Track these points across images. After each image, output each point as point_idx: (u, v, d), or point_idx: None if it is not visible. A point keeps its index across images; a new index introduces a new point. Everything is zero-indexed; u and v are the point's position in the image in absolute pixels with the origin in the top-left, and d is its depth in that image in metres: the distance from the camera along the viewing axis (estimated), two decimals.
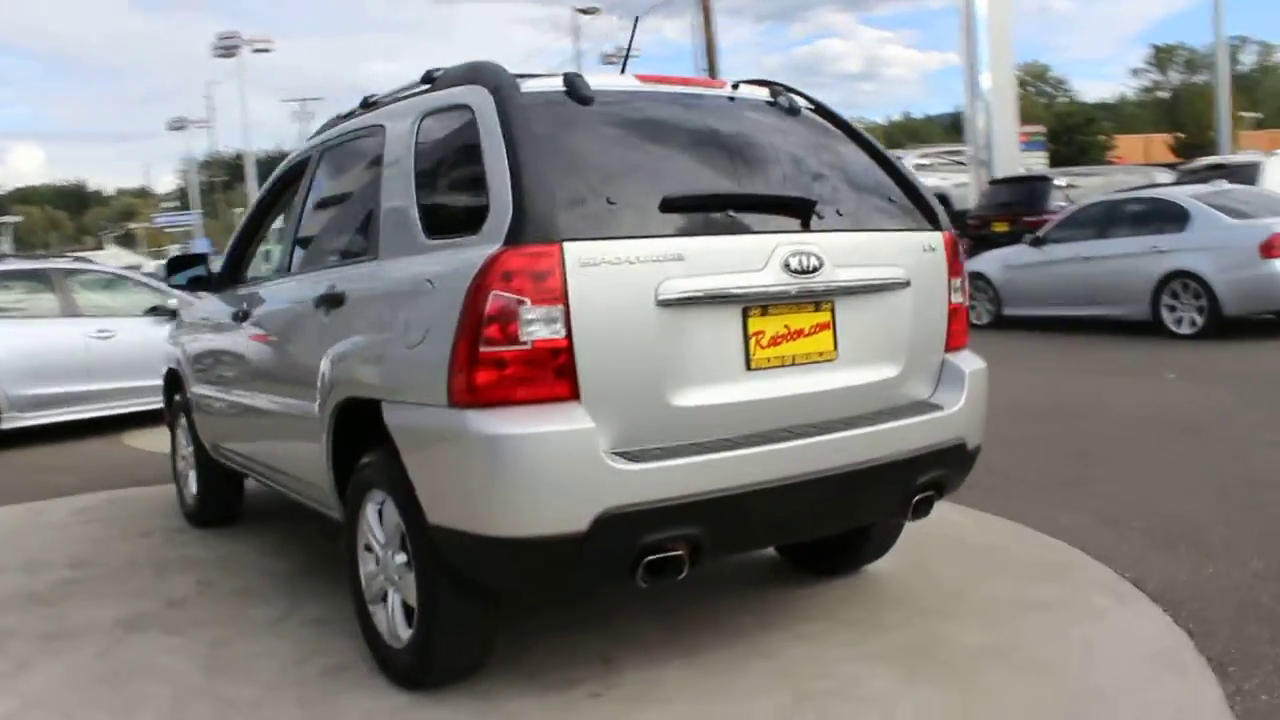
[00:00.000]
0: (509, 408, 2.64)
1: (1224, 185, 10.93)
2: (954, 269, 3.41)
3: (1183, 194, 10.55)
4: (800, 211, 3.09)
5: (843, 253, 3.07)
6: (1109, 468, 5.41)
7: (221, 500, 5.27)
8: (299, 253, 4.04)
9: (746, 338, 2.93)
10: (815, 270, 2.99)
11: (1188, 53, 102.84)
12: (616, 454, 2.66)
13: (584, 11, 38.85)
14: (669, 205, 2.85)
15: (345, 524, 3.38)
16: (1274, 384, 7.34)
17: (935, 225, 3.40)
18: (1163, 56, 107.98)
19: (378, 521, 3.20)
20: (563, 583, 2.79)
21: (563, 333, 2.64)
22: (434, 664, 3.02)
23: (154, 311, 9.12)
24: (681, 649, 3.34)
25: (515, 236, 2.65)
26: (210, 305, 4.84)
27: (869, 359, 3.17)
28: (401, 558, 3.09)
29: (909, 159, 19.07)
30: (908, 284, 3.25)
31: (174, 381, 5.50)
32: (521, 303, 2.62)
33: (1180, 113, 79.14)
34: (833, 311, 3.08)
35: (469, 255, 2.73)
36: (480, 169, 2.84)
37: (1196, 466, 5.30)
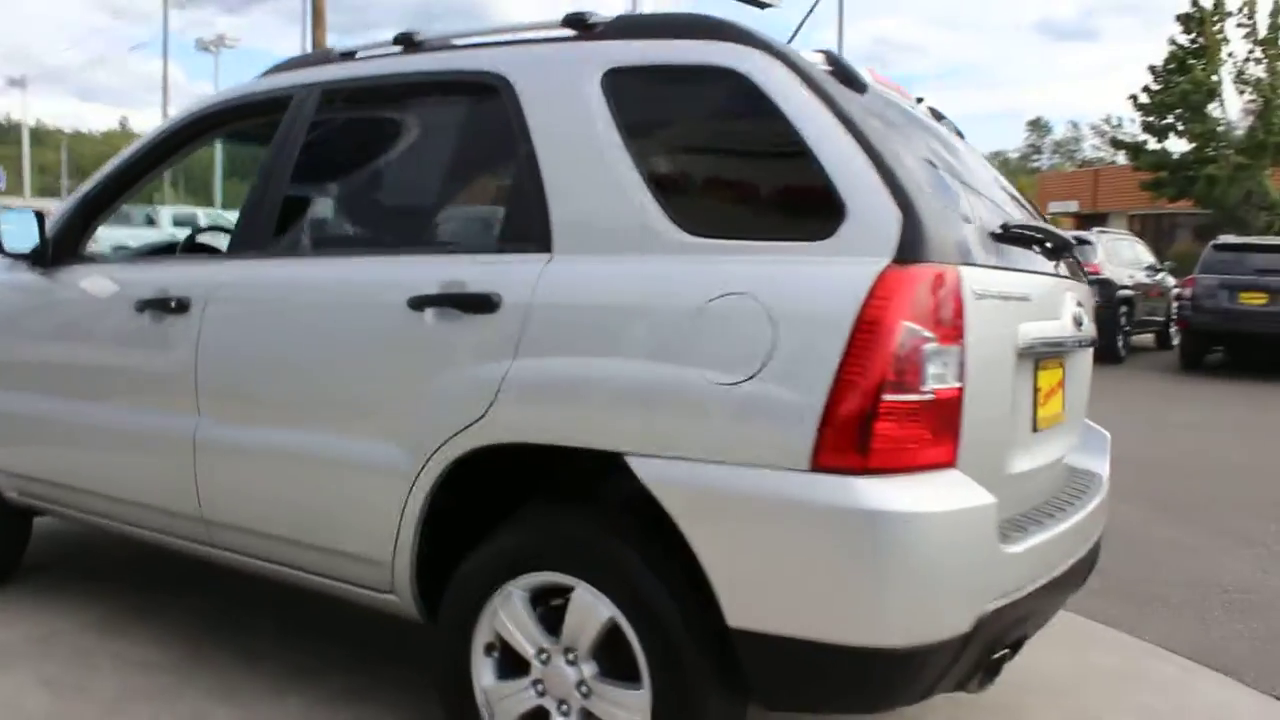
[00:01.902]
0: (895, 476, 2.00)
1: None
2: None
3: None
4: (1062, 254, 2.72)
5: (1083, 302, 2.76)
6: None
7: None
8: (301, 227, 2.92)
9: (1035, 394, 2.51)
10: (1084, 322, 2.65)
11: None
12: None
13: None
14: (1006, 235, 2.36)
15: (448, 618, 2.43)
16: None
17: (1082, 275, 3.20)
18: None
19: (530, 616, 2.33)
20: (907, 698, 2.16)
21: (957, 381, 2.06)
22: None
23: None
24: None
25: (911, 252, 2.02)
26: (43, 285, 3.40)
27: (1074, 422, 2.88)
28: (591, 668, 2.26)
29: None
30: (1095, 342, 3.01)
31: None
32: (928, 340, 2.01)
33: None
34: (1064, 368, 2.75)
35: (837, 269, 2.04)
36: (801, 156, 2.14)
37: None
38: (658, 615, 2.15)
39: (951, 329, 2.04)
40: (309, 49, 25.06)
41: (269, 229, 2.89)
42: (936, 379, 2.02)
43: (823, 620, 2.01)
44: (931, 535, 2.00)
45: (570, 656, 2.29)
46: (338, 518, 2.61)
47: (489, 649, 2.40)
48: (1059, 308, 2.55)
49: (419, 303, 2.44)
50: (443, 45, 2.83)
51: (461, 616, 2.41)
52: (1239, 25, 24.03)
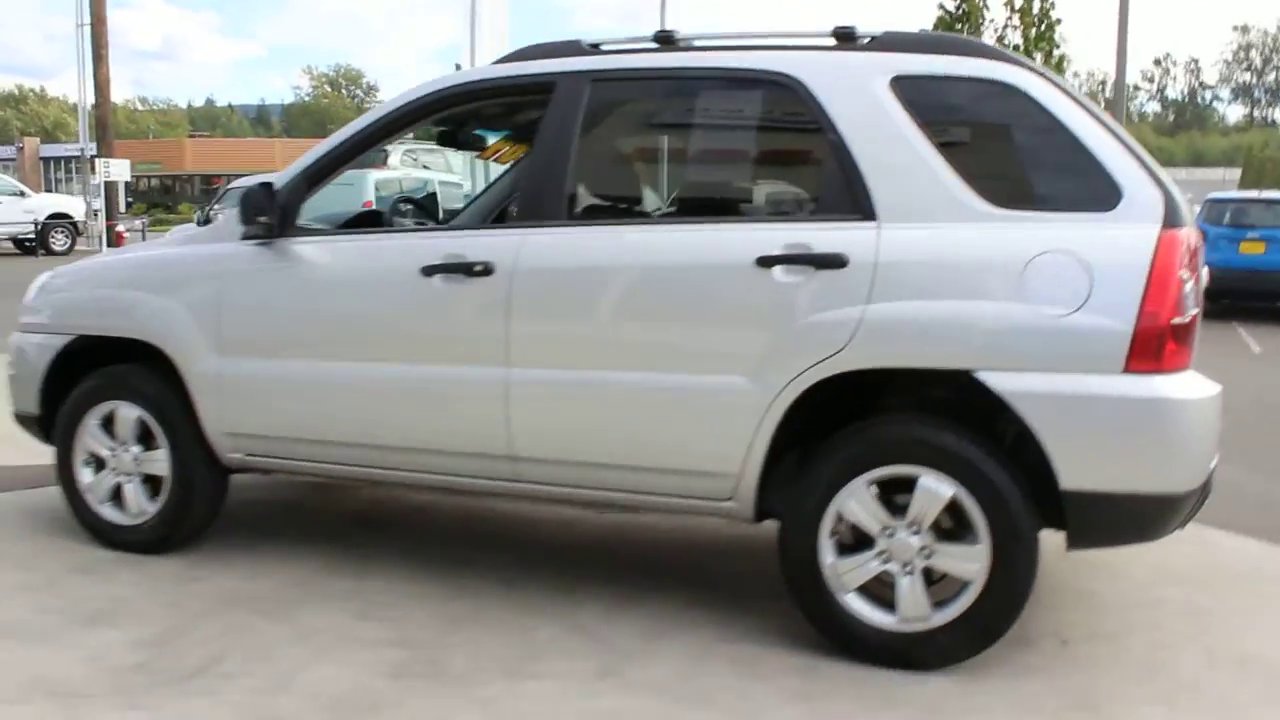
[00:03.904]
0: (1175, 375, 2.83)
1: None
2: None
3: None
4: None
5: None
6: None
7: (209, 508, 3.99)
8: (610, 199, 3.41)
9: None
10: None
11: None
12: None
13: None
14: None
15: (798, 513, 3.08)
16: None
17: None
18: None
19: (876, 501, 3.01)
20: (1170, 530, 2.97)
21: (1197, 308, 2.92)
22: (991, 635, 3.00)
23: None
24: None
25: (1171, 220, 2.86)
26: (276, 255, 3.66)
27: None
28: (929, 535, 2.98)
29: (397, 153, 19.00)
30: None
31: (75, 361, 4.04)
32: (1187, 280, 2.85)
33: None
34: None
35: (1128, 233, 2.85)
36: (1078, 149, 2.94)
37: None
38: (997, 488, 2.88)
39: (1195, 272, 2.90)
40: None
41: (566, 201, 3.35)
42: (1192, 306, 2.87)
43: (1133, 477, 2.82)
44: (1202, 413, 2.86)
45: (914, 528, 2.99)
46: (685, 442, 3.15)
47: (831, 533, 3.07)
48: None
49: (767, 261, 3.04)
50: (701, 45, 3.39)
51: (811, 510, 3.05)
52: None
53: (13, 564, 3.84)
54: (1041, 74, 3.07)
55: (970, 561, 2.95)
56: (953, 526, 3.00)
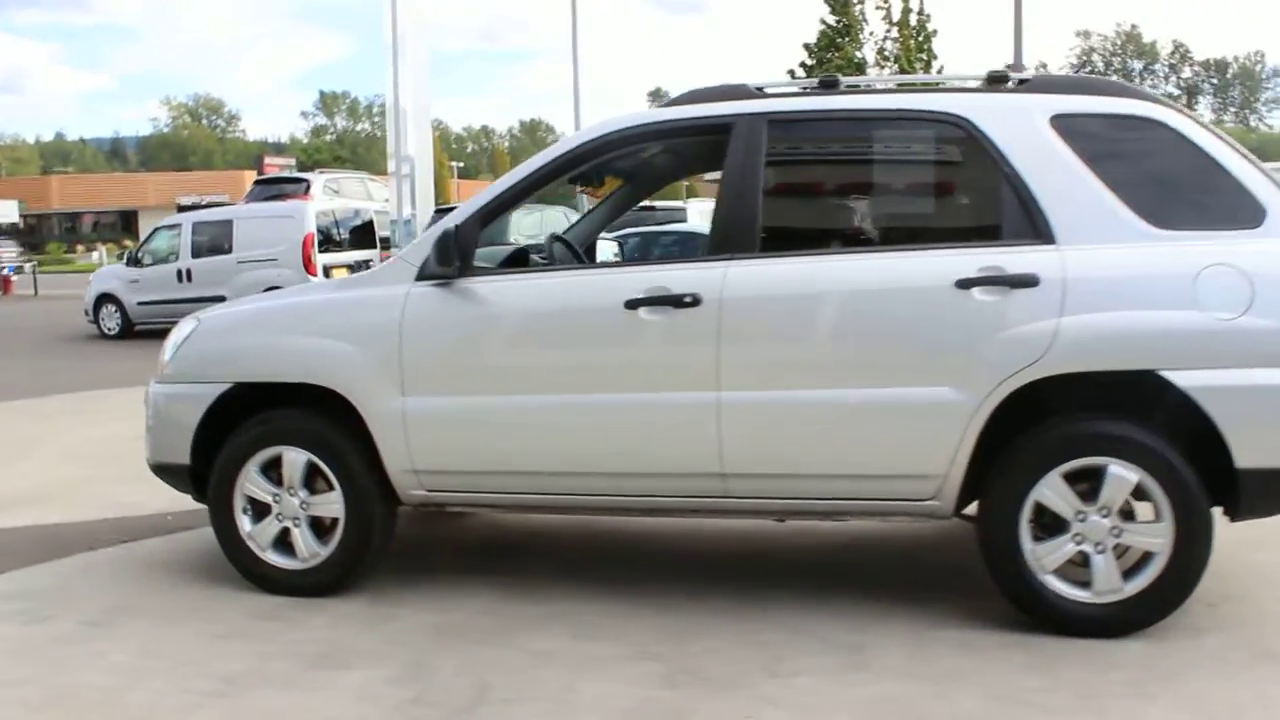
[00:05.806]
0: None
1: None
2: None
3: None
4: None
5: None
6: None
7: (383, 546, 4.11)
8: (803, 231, 3.79)
9: None
10: None
11: (350, 101, 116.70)
12: None
13: None
14: None
15: (997, 506, 3.46)
16: None
17: None
18: (329, 102, 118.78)
19: (1068, 489, 3.40)
20: None
21: None
22: (1177, 600, 3.41)
23: None
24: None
25: None
26: (460, 295, 3.83)
27: None
28: (1116, 518, 3.37)
29: (318, 182, 18.85)
30: None
31: (229, 408, 4.10)
32: None
33: (351, 154, 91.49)
34: None
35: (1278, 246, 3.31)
36: (1223, 175, 3.39)
37: None
38: (1177, 472, 3.31)
39: None
40: None
41: (759, 233, 3.63)
42: None
43: None
44: None
45: (1104, 512, 3.39)
46: (895, 449, 3.48)
47: (1029, 522, 3.43)
48: None
49: (966, 283, 3.40)
50: (864, 89, 3.75)
51: (1012, 502, 3.41)
52: (877, 8, 27.88)
53: (199, 617, 3.90)
54: (1178, 110, 3.53)
55: (1157, 537, 3.36)
56: (1131, 509, 3.41)
